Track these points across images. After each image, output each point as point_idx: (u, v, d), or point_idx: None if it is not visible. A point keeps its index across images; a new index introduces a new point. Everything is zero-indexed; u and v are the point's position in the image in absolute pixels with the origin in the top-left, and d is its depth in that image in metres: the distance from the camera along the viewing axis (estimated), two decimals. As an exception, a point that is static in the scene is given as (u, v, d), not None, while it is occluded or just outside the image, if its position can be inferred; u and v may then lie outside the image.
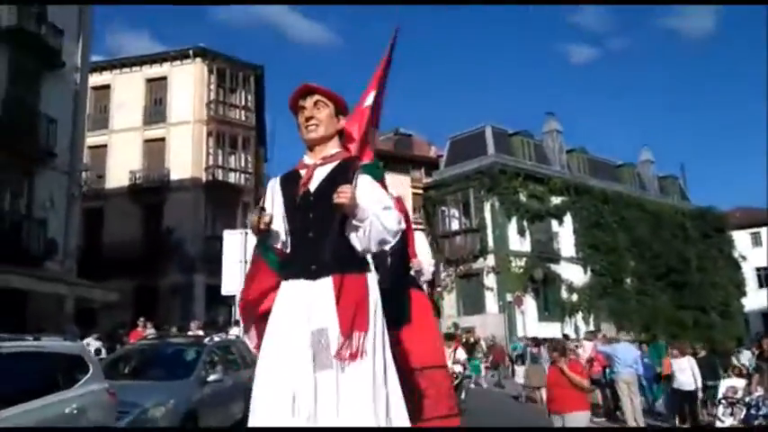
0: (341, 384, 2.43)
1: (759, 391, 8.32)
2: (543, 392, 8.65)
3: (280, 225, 2.68)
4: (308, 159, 2.80)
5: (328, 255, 2.58)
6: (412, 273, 4.89)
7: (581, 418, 6.38)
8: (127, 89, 25.65)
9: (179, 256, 23.51)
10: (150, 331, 14.86)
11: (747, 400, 8.55)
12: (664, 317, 28.95)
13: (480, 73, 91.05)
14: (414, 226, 4.82)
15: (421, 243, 5.09)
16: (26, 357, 5.21)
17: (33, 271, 15.42)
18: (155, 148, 25.28)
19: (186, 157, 24.68)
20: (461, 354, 10.69)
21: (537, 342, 16.43)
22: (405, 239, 4.78)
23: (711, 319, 31.02)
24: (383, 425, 2.43)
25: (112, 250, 23.16)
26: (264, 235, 2.61)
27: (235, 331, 14.76)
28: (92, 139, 23.53)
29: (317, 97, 2.78)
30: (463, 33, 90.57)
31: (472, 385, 18.48)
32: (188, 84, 25.42)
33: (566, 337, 21.55)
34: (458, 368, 10.00)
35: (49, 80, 17.25)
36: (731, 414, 8.75)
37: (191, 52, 25.62)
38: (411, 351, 4.00)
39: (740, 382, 9.49)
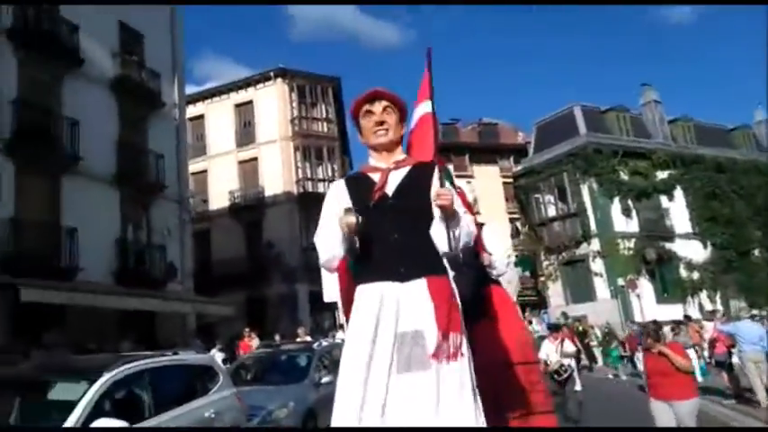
0: (440, 384, 2.54)
1: None
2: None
3: None
4: (378, 163, 2.96)
5: (419, 257, 2.72)
6: (499, 263, 4.87)
7: (691, 406, 6.10)
8: (219, 116, 28.54)
9: (281, 268, 25.75)
10: (255, 341, 16.61)
11: None
12: None
13: (563, 53, 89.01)
14: (478, 218, 4.66)
15: (491, 236, 5.09)
16: (170, 370, 6.08)
17: (159, 293, 17.91)
18: (248, 168, 27.92)
19: (277, 174, 27.11)
20: (569, 346, 10.22)
21: (657, 325, 16.66)
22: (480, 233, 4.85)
23: None
24: (482, 423, 2.57)
25: (221, 267, 25.82)
26: (352, 237, 2.67)
27: (340, 335, 16.35)
28: (193, 166, 26.38)
29: (385, 103, 2.97)
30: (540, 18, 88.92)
31: (610, 375, 18.76)
32: (272, 104, 27.96)
33: (687, 317, 20.82)
34: (566, 361, 9.70)
35: (153, 120, 19.90)
36: None
37: (272, 74, 28.14)
38: (495, 348, 4.07)
39: None
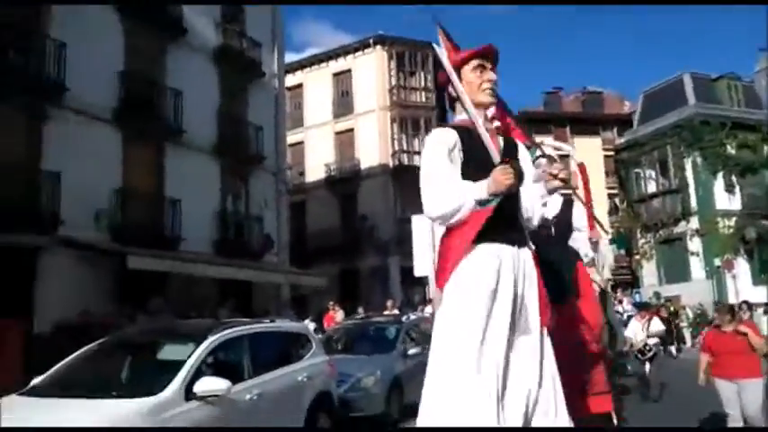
0: (543, 348, 2.52)
1: None
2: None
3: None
4: (481, 121, 2.61)
5: (523, 227, 2.62)
6: (582, 243, 4.74)
7: (759, 385, 5.64)
8: (317, 85, 26.36)
9: (374, 241, 23.75)
10: (339, 314, 15.21)
11: None
12: None
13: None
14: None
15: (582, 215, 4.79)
16: (267, 335, 6.05)
17: (256, 263, 16.32)
18: (345, 140, 25.73)
19: (373, 145, 24.79)
20: (657, 325, 9.37)
21: (749, 306, 15.23)
22: (569, 208, 4.82)
23: None
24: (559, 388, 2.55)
25: (316, 239, 24.12)
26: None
27: (429, 309, 14.47)
28: (290, 138, 24.48)
29: (493, 64, 2.69)
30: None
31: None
32: (370, 72, 25.39)
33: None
34: (651, 341, 8.97)
35: (253, 90, 18.00)
36: None
37: (371, 41, 25.48)
38: (570, 328, 3.88)
39: None
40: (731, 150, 23.36)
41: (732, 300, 20.76)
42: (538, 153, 4.41)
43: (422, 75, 25.71)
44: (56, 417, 4.02)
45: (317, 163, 25.76)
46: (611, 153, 28.07)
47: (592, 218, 4.87)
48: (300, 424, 5.72)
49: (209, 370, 4.83)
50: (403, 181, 23.91)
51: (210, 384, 4.60)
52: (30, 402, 4.53)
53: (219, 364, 5.09)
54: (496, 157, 2.48)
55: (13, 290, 11.05)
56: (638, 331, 9.06)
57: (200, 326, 6.16)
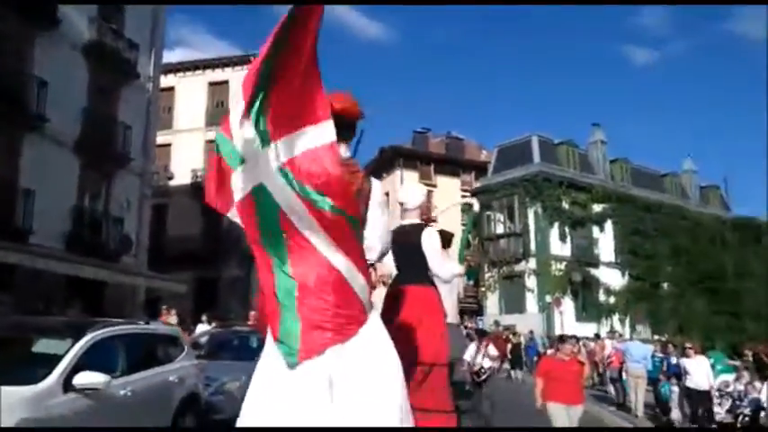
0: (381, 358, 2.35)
1: (741, 386, 9.44)
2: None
3: None
4: None
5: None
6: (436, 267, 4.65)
7: (581, 410, 6.50)
8: (190, 91, 26.44)
9: (238, 251, 24.17)
10: (173, 318, 14.91)
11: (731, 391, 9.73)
12: (697, 320, 28.99)
13: (528, 82, 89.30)
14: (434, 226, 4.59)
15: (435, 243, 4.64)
16: (142, 336, 6.39)
17: (114, 264, 16.28)
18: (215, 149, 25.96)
19: (245, 159, 25.30)
20: (492, 349, 10.12)
21: (577, 339, 16.91)
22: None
23: (744, 323, 29.98)
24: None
25: (175, 243, 24.00)
26: None
27: None
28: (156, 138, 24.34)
29: None
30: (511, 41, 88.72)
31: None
32: (248, 88, 26.02)
33: (597, 336, 21.64)
34: (487, 363, 9.38)
35: (125, 90, 18.04)
36: (719, 405, 9.72)
37: (252, 58, 26.12)
38: (418, 344, 3.97)
39: (730, 377, 10.48)
40: (565, 205, 27.47)
41: (558, 332, 24.33)
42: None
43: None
44: None
45: (185, 167, 25.75)
46: (468, 195, 31.27)
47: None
48: (168, 422, 5.95)
49: (85, 365, 5.00)
50: (271, 197, 24.81)
51: (90, 378, 4.84)
52: None
53: (96, 359, 5.24)
54: None
55: None
56: (473, 353, 9.66)
57: (76, 323, 6.44)
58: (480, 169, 33.58)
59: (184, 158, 25.86)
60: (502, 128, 73.45)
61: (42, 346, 5.49)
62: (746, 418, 9.23)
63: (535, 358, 19.69)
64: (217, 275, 24.25)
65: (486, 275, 27.98)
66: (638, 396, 12.07)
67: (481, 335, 10.85)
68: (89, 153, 16.46)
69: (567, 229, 27.34)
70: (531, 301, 26.66)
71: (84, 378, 4.79)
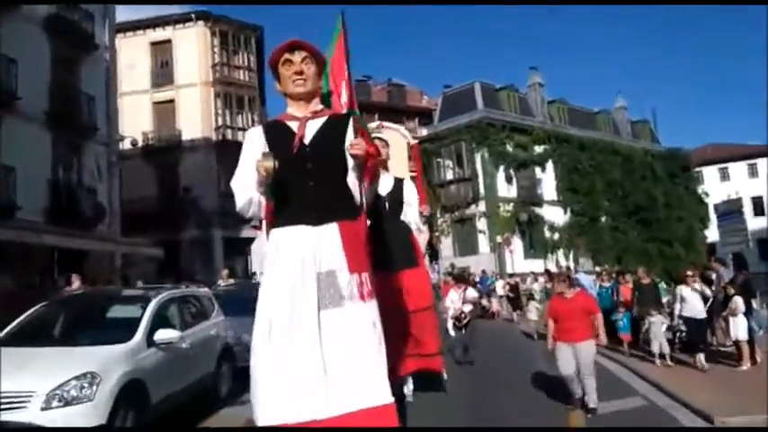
0: (349, 319, 2.74)
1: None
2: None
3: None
4: (296, 112, 2.99)
5: (333, 202, 2.85)
6: (411, 218, 5.17)
7: (592, 346, 6.50)
8: (132, 53, 27.17)
9: (197, 212, 25.83)
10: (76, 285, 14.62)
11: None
12: (633, 250, 32.82)
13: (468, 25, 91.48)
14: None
15: (412, 192, 5.29)
16: (187, 298, 7.70)
17: (93, 233, 17.96)
18: (164, 110, 27.21)
19: (196, 118, 26.73)
20: (472, 293, 10.79)
21: (550, 275, 17.43)
22: (400, 186, 5.19)
23: (676, 250, 34.37)
24: (383, 358, 2.79)
25: (130, 207, 25.27)
26: (269, 181, 2.71)
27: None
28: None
29: (304, 53, 2.95)
30: None
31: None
32: (192, 47, 27.21)
33: (547, 272, 23.23)
34: (467, 308, 10.10)
35: (85, 61, 19.24)
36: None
37: (192, 15, 27.27)
38: (410, 292, 4.41)
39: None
40: (509, 149, 30.44)
41: (509, 270, 27.27)
42: (374, 135, 4.96)
43: (245, 55, 28.40)
44: (49, 360, 5.18)
45: (133, 131, 26.75)
46: (414, 141, 33.58)
47: (423, 192, 5.42)
48: (212, 368, 7.19)
49: (156, 325, 6.14)
50: (227, 155, 26.26)
51: (167, 334, 6.05)
52: (12, 351, 5.36)
53: (162, 319, 6.45)
54: (265, 148, 2.81)
55: None
56: (456, 300, 10.22)
57: (140, 291, 7.99)
58: (423, 115, 35.89)
59: (133, 121, 26.78)
60: (441, 71, 75.75)
61: (116, 311, 6.79)
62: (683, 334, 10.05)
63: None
64: (177, 237, 25.79)
65: (440, 221, 30.79)
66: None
67: (459, 280, 11.52)
68: (59, 126, 17.79)
69: (512, 172, 30.29)
70: (483, 243, 29.66)
71: (163, 334, 6.01)
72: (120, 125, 27.13)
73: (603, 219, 33.51)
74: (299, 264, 2.74)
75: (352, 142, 2.81)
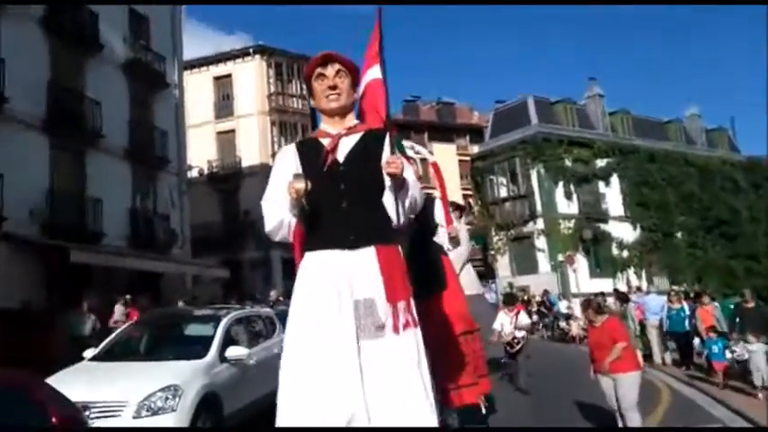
0: (389, 352, 2.70)
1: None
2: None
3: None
4: (330, 129, 3.04)
5: (369, 225, 2.83)
6: (444, 238, 5.17)
7: (633, 378, 6.39)
8: (198, 87, 31.78)
9: (256, 234, 29.42)
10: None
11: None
12: (715, 267, 33.35)
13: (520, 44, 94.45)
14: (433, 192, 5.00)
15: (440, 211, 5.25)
16: (253, 317, 8.94)
17: (168, 256, 21.74)
18: (226, 139, 31.49)
19: (254, 146, 30.79)
20: (524, 318, 10.75)
21: (619, 296, 17.01)
22: (432, 205, 5.19)
23: (763, 267, 34.12)
24: (428, 392, 2.72)
25: (196, 231, 29.23)
26: (301, 203, 2.71)
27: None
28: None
29: (338, 66, 3.01)
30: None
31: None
32: (250, 79, 31.54)
33: (616, 291, 23.79)
34: (519, 333, 10.09)
35: (158, 99, 23.33)
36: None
37: (251, 50, 31.65)
38: (444, 318, 4.36)
39: None
40: (568, 163, 32.06)
41: (573, 290, 28.56)
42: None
43: (298, 84, 32.35)
44: (138, 374, 6.36)
45: (199, 159, 31.09)
46: (466, 158, 36.38)
47: (448, 214, 5.32)
48: (276, 386, 9.33)
49: (227, 342, 7.19)
50: (284, 180, 30.07)
51: (237, 351, 7.02)
52: (106, 365, 6.89)
53: (231, 337, 7.48)
54: (298, 167, 2.87)
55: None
56: (506, 323, 10.18)
57: (211, 311, 9.06)
58: (474, 132, 38.45)
59: (198, 151, 31.14)
60: (492, 88, 78.37)
61: (192, 330, 7.98)
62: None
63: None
64: (239, 258, 29.66)
65: (495, 239, 32.99)
66: (655, 348, 13.92)
67: (509, 302, 11.12)
68: (137, 160, 21.76)
69: (572, 187, 31.83)
70: (544, 261, 31.21)
71: (233, 351, 6.98)
72: (188, 155, 31.74)
73: (679, 234, 34.11)
74: (333, 292, 2.71)
75: (387, 160, 2.76)
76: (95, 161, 20.16)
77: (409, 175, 2.85)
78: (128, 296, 15.80)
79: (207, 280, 24.48)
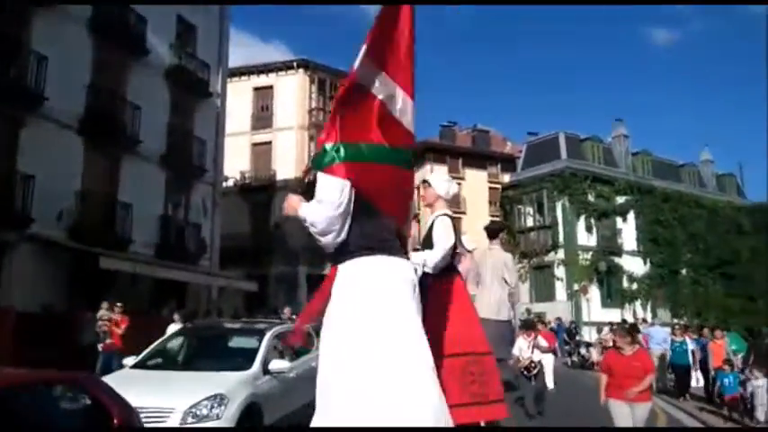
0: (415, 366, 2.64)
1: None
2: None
3: None
4: None
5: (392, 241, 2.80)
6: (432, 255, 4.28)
7: (647, 409, 6.16)
8: (236, 96, 28.37)
9: (284, 249, 26.38)
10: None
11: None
12: (713, 304, 31.34)
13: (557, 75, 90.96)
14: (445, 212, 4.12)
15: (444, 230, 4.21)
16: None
17: (196, 267, 18.67)
18: (261, 151, 28.19)
19: (290, 160, 27.51)
20: (542, 341, 10.26)
21: (614, 330, 17.52)
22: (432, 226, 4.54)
23: (758, 306, 31.89)
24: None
25: (226, 241, 26.21)
26: None
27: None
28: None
29: None
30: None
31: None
32: (292, 92, 28.15)
33: (624, 321, 22.26)
34: (536, 357, 9.59)
35: (199, 107, 20.25)
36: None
37: (294, 64, 28.29)
38: (454, 337, 3.94)
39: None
40: (591, 198, 29.72)
41: (585, 318, 26.65)
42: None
43: (340, 101, 28.95)
44: (184, 382, 5.94)
45: (232, 170, 27.85)
46: (497, 186, 33.68)
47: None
48: (313, 399, 8.16)
49: (271, 355, 6.77)
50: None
51: (280, 364, 6.63)
52: (149, 373, 6.43)
53: (274, 350, 7.04)
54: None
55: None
56: (524, 348, 9.58)
57: (254, 325, 8.64)
58: (506, 161, 35.62)
59: (231, 160, 27.88)
60: (526, 118, 75.19)
61: (236, 342, 7.57)
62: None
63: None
64: (265, 272, 26.44)
65: (518, 266, 30.19)
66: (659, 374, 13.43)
67: (527, 327, 10.56)
68: (172, 167, 18.76)
69: (592, 221, 29.55)
70: (560, 290, 28.93)
71: (276, 364, 6.59)
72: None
73: (684, 271, 32.25)
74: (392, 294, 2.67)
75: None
76: (130, 165, 17.24)
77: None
78: (119, 304, 12.04)
79: (231, 292, 21.38)
